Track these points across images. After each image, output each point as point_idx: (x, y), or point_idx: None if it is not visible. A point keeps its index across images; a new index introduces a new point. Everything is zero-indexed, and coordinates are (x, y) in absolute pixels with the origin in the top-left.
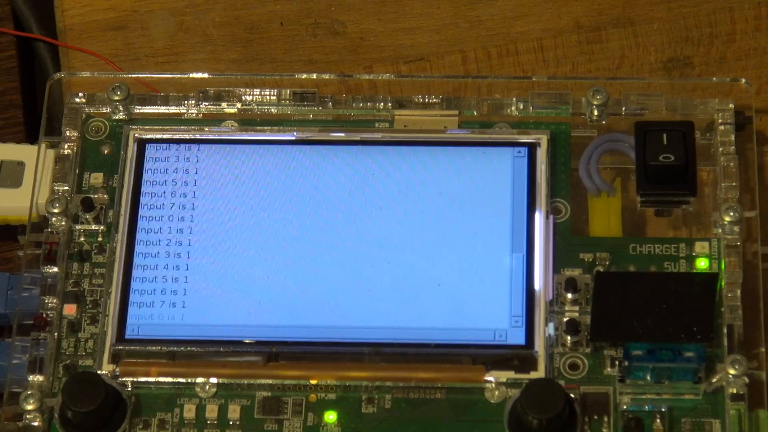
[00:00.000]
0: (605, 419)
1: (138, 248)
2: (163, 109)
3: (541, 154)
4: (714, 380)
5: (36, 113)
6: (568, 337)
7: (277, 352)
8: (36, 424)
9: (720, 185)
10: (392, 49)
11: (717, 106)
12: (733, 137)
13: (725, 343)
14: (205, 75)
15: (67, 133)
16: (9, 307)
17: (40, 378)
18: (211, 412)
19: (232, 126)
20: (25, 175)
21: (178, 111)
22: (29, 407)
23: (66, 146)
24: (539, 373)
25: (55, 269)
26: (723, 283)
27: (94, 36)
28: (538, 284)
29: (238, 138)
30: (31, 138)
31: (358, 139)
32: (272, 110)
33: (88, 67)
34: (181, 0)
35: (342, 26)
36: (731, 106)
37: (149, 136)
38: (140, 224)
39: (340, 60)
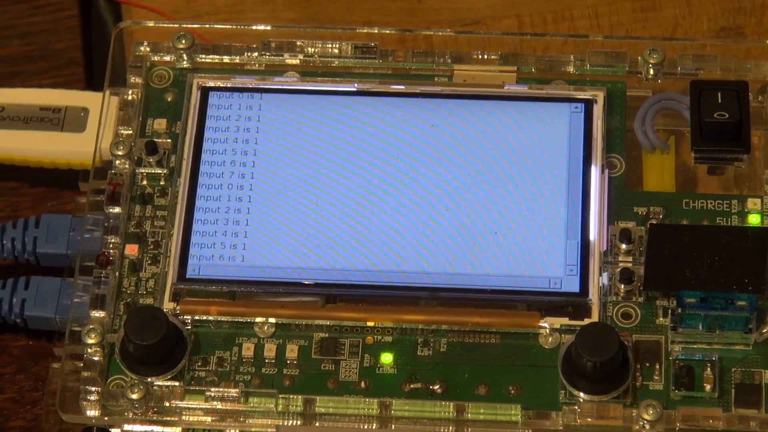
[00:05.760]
0: (657, 367)
1: (200, 191)
2: (226, 59)
3: (598, 111)
4: (764, 331)
5: (94, 72)
6: (622, 286)
7: (336, 294)
8: (96, 359)
9: None
10: (449, 12)
11: None
12: None
13: None
14: (268, 27)
15: (132, 80)
16: (71, 248)
17: (102, 314)
18: (269, 351)
19: (293, 77)
20: (89, 121)
21: (240, 61)
22: (90, 341)
23: (130, 92)
24: (593, 320)
25: (118, 209)
26: None
27: None
28: (593, 234)
29: (300, 88)
30: None
31: (418, 91)
32: (334, 63)
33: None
34: None
35: None
36: None
37: (212, 84)
38: (202, 168)
39: (398, 22)
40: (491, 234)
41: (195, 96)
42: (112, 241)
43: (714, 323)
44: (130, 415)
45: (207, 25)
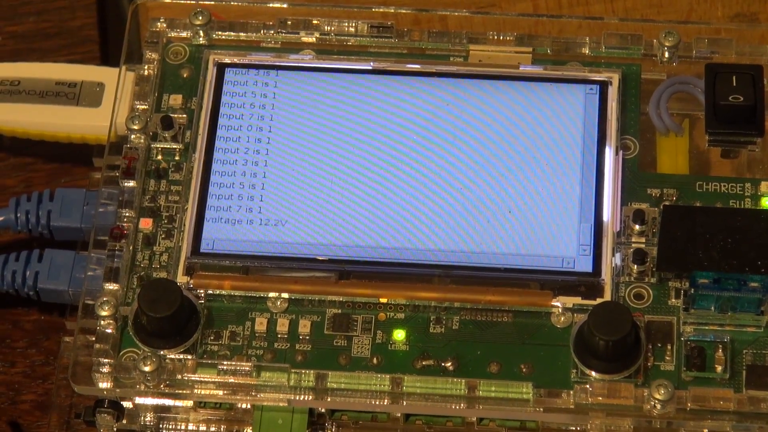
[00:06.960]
0: (668, 347)
1: (215, 167)
2: (242, 36)
3: (613, 92)
4: None
5: (109, 50)
6: (635, 267)
7: (349, 270)
8: (109, 331)
9: None
10: None
11: None
12: None
13: None
14: (284, 5)
15: (148, 56)
16: (85, 222)
17: (115, 286)
18: (282, 326)
19: (309, 54)
20: (105, 96)
21: (256, 38)
22: (104, 313)
23: (146, 67)
24: (605, 299)
25: (133, 183)
26: None
27: None
28: (606, 215)
29: (315, 65)
30: None
31: (434, 71)
32: (349, 41)
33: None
34: None
35: None
36: None
37: (228, 60)
38: (217, 144)
39: (413, 4)
40: (505, 213)
41: (211, 72)
42: (127, 214)
43: (726, 304)
44: (142, 388)
45: (223, 2)
